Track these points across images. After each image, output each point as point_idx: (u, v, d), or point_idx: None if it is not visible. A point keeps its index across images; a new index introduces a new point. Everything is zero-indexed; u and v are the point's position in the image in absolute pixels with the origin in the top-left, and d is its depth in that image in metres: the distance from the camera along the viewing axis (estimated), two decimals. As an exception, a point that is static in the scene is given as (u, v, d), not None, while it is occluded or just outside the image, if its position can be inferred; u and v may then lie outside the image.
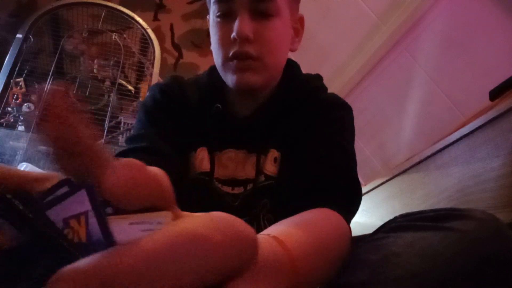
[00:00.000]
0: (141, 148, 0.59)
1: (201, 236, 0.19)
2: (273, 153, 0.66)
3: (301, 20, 0.71)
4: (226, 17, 0.62)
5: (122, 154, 0.58)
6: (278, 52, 0.64)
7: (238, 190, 0.65)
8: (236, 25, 0.60)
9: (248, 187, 0.65)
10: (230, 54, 0.62)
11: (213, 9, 0.64)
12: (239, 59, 0.61)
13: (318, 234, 0.40)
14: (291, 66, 0.73)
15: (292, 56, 0.73)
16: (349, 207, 0.56)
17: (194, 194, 0.66)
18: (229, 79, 0.64)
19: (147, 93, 0.73)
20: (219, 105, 0.67)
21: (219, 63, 0.65)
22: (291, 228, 0.37)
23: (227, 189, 0.66)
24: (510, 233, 0.40)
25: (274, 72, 0.66)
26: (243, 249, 0.22)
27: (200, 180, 0.66)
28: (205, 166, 0.66)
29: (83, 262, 0.17)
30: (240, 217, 0.75)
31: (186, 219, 0.21)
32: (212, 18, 0.66)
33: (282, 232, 0.34)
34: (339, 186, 0.56)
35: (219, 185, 0.66)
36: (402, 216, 0.47)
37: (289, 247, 0.31)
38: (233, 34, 0.60)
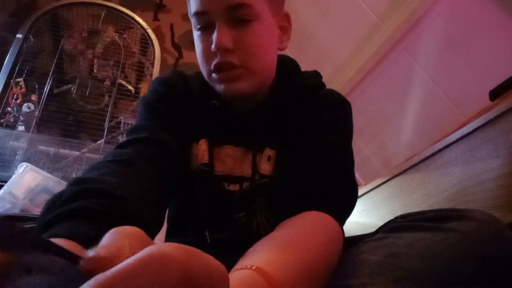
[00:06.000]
0: (141, 139, 0.58)
1: (168, 254, 0.19)
2: (267, 152, 0.66)
3: (287, 17, 0.69)
4: (206, 29, 0.62)
5: (123, 145, 0.58)
6: (263, 55, 0.63)
7: (233, 187, 0.65)
8: (214, 37, 0.59)
9: (244, 186, 0.65)
10: (212, 66, 0.61)
11: (193, 23, 0.64)
12: (223, 69, 0.61)
13: (304, 253, 0.39)
14: (288, 63, 0.72)
15: (291, 56, 0.72)
16: (344, 209, 0.56)
17: (196, 185, 0.66)
18: (217, 89, 0.64)
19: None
20: (215, 101, 0.67)
21: (205, 75, 0.65)
22: (275, 252, 0.36)
23: (223, 185, 0.66)
24: (510, 233, 0.40)
25: (262, 75, 0.65)
26: (213, 281, 0.20)
27: (201, 171, 0.66)
28: (206, 157, 0.66)
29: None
30: (239, 212, 0.73)
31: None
32: (194, 31, 0.65)
33: (266, 260, 0.34)
34: (336, 187, 0.56)
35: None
36: (402, 216, 0.47)
37: (272, 277, 0.30)
38: (212, 47, 0.60)
